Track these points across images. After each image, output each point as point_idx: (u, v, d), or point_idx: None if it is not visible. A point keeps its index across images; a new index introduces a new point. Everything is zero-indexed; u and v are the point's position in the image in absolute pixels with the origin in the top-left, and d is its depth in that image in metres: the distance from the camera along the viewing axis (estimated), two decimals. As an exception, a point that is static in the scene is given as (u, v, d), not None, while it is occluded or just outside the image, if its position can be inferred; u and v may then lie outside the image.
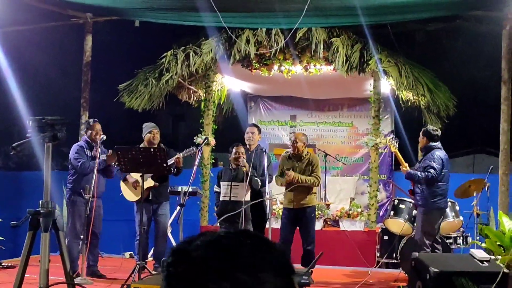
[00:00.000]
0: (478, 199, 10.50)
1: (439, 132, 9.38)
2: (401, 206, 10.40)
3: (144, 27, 12.81)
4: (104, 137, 9.60)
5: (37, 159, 10.50)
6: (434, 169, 9.01)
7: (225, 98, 14.41)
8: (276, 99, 15.08)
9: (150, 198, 9.67)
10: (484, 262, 7.77)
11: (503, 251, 8.46)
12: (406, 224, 10.17)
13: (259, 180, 9.47)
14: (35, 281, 5.15)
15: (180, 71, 12.26)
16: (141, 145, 9.80)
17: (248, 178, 9.27)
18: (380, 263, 10.71)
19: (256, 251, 1.45)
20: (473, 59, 18.72)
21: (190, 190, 9.40)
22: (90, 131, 9.78)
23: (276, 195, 10.26)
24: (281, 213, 11.04)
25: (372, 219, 11.90)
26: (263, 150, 9.97)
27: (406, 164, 9.45)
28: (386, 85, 12.46)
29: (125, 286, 8.16)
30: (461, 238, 10.40)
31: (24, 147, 5.00)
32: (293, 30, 11.32)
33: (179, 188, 10.55)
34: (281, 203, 11.27)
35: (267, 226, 9.55)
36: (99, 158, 9.40)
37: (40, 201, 4.88)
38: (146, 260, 9.54)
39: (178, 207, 9.22)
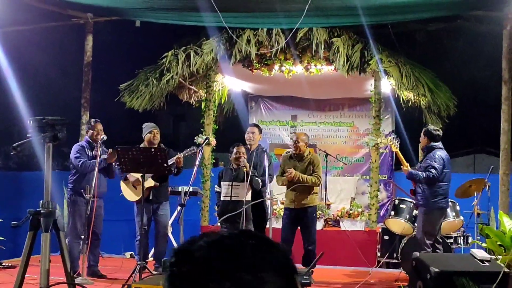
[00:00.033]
0: (479, 199, 10.50)
1: (440, 132, 9.38)
2: (402, 206, 10.40)
3: (144, 27, 12.80)
4: (105, 137, 9.60)
5: (38, 159, 10.49)
6: (435, 169, 9.02)
7: (226, 98, 14.41)
8: (277, 99, 15.08)
9: (150, 198, 9.67)
10: (485, 262, 7.78)
11: (503, 251, 8.45)
12: (406, 224, 10.17)
13: (259, 180, 9.47)
14: (35, 281, 5.16)
15: (181, 71, 12.25)
16: (141, 145, 9.80)
17: (249, 178, 9.27)
18: (380, 263, 10.72)
19: (259, 251, 1.45)
20: (473, 59, 18.73)
21: (191, 190, 9.42)
22: (91, 131, 9.80)
23: (277, 195, 10.26)
24: (281, 213, 11.05)
25: (372, 219, 11.89)
26: (264, 150, 9.96)
27: (407, 164, 9.45)
28: (387, 85, 12.45)
29: (125, 286, 8.16)
30: (462, 238, 10.40)
31: (24, 147, 5.00)
32: (294, 30, 11.32)
33: (180, 188, 10.60)
34: (282, 203, 11.27)
35: (267, 226, 9.55)
36: (99, 158, 9.41)
37: (41, 201, 4.88)
38: (147, 260, 9.54)
39: (179, 207, 9.21)
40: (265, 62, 12.22)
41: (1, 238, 10.74)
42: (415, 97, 12.25)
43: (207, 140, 11.24)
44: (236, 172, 9.46)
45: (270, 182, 9.61)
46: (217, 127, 12.95)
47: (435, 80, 12.33)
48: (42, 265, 4.84)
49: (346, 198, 13.57)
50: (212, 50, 12.07)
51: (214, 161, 12.87)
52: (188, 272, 1.43)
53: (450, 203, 9.74)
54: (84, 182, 9.43)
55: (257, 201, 9.29)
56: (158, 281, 7.22)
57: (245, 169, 9.32)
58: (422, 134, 9.45)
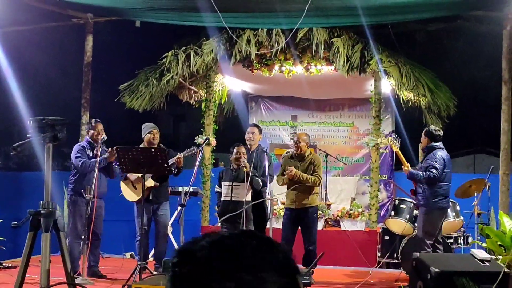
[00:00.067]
0: (479, 199, 10.50)
1: (441, 132, 9.39)
2: (402, 206, 10.40)
3: (144, 27, 12.81)
4: (105, 138, 9.60)
5: (38, 160, 10.50)
6: (436, 169, 9.02)
7: (226, 98, 14.41)
8: (277, 99, 15.08)
9: (150, 198, 9.67)
10: (485, 262, 7.77)
11: (503, 251, 8.45)
12: (407, 224, 10.17)
13: (260, 180, 9.47)
14: (36, 281, 5.16)
15: (181, 71, 12.25)
16: (141, 146, 9.79)
17: (249, 178, 9.27)
18: (381, 263, 10.72)
19: (260, 251, 1.45)
20: (473, 59, 18.72)
21: (191, 190, 9.42)
22: (92, 131, 9.81)
23: (277, 195, 10.25)
24: (281, 213, 11.05)
25: (373, 219, 11.89)
26: (264, 150, 9.96)
27: (408, 164, 9.45)
28: (387, 85, 12.46)
29: (126, 287, 8.16)
30: (462, 238, 10.41)
31: (24, 148, 5.00)
32: (294, 30, 11.32)
33: (180, 188, 10.60)
34: (282, 203, 11.27)
35: (267, 226, 9.55)
36: (99, 158, 9.40)
37: (41, 202, 4.88)
38: (147, 261, 9.54)
39: (179, 207, 9.22)
40: (265, 62, 12.22)
41: (1, 238, 10.74)
42: (415, 97, 12.26)
43: (207, 140, 11.24)
44: (237, 172, 9.46)
45: (270, 182, 9.61)
46: (217, 127, 12.95)
47: (435, 80, 12.34)
48: (43, 265, 4.84)
49: (346, 198, 13.57)
50: (212, 50, 12.07)
51: (214, 161, 12.87)
52: (189, 273, 1.43)
53: (450, 203, 9.74)
54: (84, 182, 9.42)
55: (257, 201, 9.29)
56: (158, 281, 7.22)
57: (245, 169, 9.31)
58: (423, 134, 9.46)
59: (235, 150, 9.49)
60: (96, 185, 9.17)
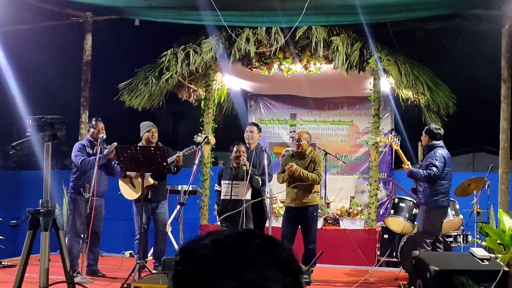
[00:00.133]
0: (478, 197, 10.51)
1: (441, 131, 9.39)
2: (401, 204, 10.40)
3: (144, 26, 12.81)
4: (104, 136, 9.61)
5: (37, 158, 10.51)
6: (436, 167, 9.02)
7: (225, 97, 14.41)
8: (276, 98, 15.09)
9: (149, 197, 9.66)
10: (484, 261, 7.78)
11: (503, 249, 8.45)
12: (406, 223, 10.17)
13: (259, 179, 9.46)
14: (35, 280, 5.14)
15: (180, 70, 12.25)
16: (139, 144, 9.77)
17: (249, 176, 9.26)
18: (380, 261, 10.72)
19: (263, 250, 1.45)
20: (472, 58, 18.75)
21: (190, 189, 9.42)
22: (92, 130, 9.81)
23: (276, 194, 10.25)
24: (281, 212, 11.05)
25: (372, 217, 11.89)
26: (263, 149, 9.95)
27: (408, 162, 9.45)
28: (386, 84, 12.45)
29: (125, 285, 8.15)
30: (461, 236, 10.41)
31: (23, 146, 4.99)
32: (293, 29, 11.32)
33: (179, 187, 10.58)
34: (281, 202, 11.27)
35: (267, 225, 9.55)
36: (98, 155, 9.40)
37: (40, 200, 4.87)
38: (146, 259, 9.53)
39: (178, 206, 9.22)
40: (264, 61, 12.22)
41: (1, 237, 10.74)
42: (414, 96, 12.26)
43: (206, 139, 11.24)
44: (236, 171, 9.46)
45: (269, 181, 9.60)
46: (216, 126, 12.94)
47: (434, 78, 12.33)
48: (42, 264, 4.84)
49: (345, 197, 13.58)
50: (211, 48, 12.06)
51: (213, 160, 12.87)
52: (191, 271, 1.43)
53: (450, 202, 9.74)
54: (84, 181, 9.43)
55: (256, 200, 9.29)
56: (157, 280, 7.21)
57: (245, 168, 9.31)
58: (423, 133, 9.46)
59: (235, 149, 9.49)
60: (96, 184, 9.18)
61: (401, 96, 12.81)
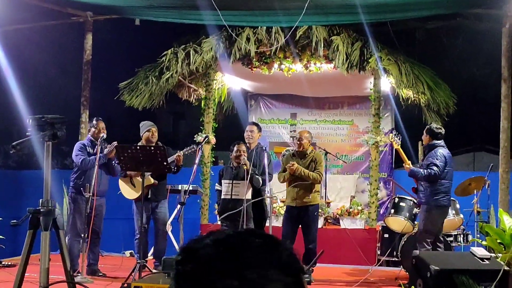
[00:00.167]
0: (479, 197, 10.50)
1: (442, 130, 9.38)
2: (402, 204, 10.39)
3: (144, 26, 12.81)
4: (104, 136, 9.61)
5: (37, 158, 10.50)
6: (437, 166, 9.01)
7: (226, 97, 14.41)
8: (277, 97, 15.10)
9: (149, 196, 9.65)
10: (485, 260, 7.78)
11: (503, 249, 8.46)
12: (406, 222, 10.17)
13: (260, 178, 9.46)
14: (35, 280, 5.14)
15: (180, 70, 12.25)
16: (139, 144, 9.76)
17: (249, 176, 9.26)
18: (380, 261, 10.71)
19: (264, 250, 1.45)
20: (473, 57, 18.75)
21: (191, 188, 9.42)
22: (93, 129, 9.81)
23: (276, 193, 10.25)
24: (281, 212, 11.05)
25: (372, 217, 11.90)
26: (264, 148, 9.94)
27: (409, 162, 9.44)
28: (386, 83, 12.45)
29: (125, 285, 8.15)
30: (462, 236, 10.40)
31: (24, 146, 4.99)
32: (293, 28, 11.32)
33: (180, 187, 10.58)
34: (282, 201, 11.27)
35: (267, 224, 9.54)
36: (98, 155, 9.40)
37: (40, 200, 4.87)
38: (146, 259, 9.53)
39: (179, 206, 9.22)
40: (265, 60, 12.22)
41: (1, 236, 10.74)
42: (415, 95, 12.26)
43: (206, 139, 11.23)
44: (237, 170, 9.45)
45: (270, 180, 9.59)
46: (216, 126, 12.95)
47: (435, 78, 12.33)
48: (42, 263, 4.84)
49: (346, 196, 13.58)
50: (211, 48, 12.06)
51: (213, 159, 12.88)
52: (193, 271, 1.43)
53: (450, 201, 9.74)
54: (85, 181, 9.43)
55: (257, 199, 9.29)
56: (158, 279, 7.21)
57: (245, 167, 9.31)
58: (424, 132, 9.46)
59: (235, 148, 9.49)
60: (96, 183, 9.17)
61: (402, 96, 12.82)
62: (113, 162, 9.68)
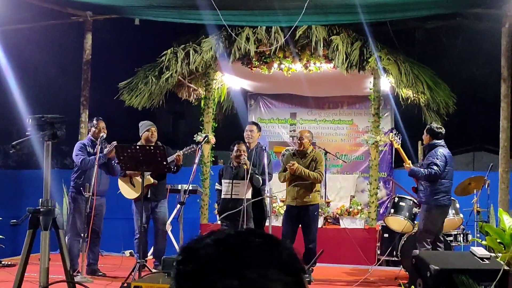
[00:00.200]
0: (478, 196, 10.50)
1: (443, 130, 9.38)
2: (402, 203, 10.39)
3: (144, 25, 12.81)
4: (104, 136, 9.61)
5: (37, 158, 10.51)
6: (437, 165, 9.01)
7: (225, 96, 14.41)
8: (276, 97, 15.10)
9: (149, 196, 9.65)
10: (485, 260, 7.78)
11: (503, 248, 8.46)
12: (406, 222, 10.16)
13: (260, 178, 9.46)
14: (35, 279, 5.14)
15: (180, 69, 12.25)
16: (138, 143, 9.75)
17: (249, 176, 9.26)
18: (380, 260, 10.71)
19: (264, 250, 1.45)
20: (472, 57, 18.76)
21: (190, 188, 9.41)
22: (93, 129, 9.81)
23: (276, 193, 10.24)
24: (281, 211, 11.05)
25: (372, 216, 11.89)
26: (263, 148, 9.94)
27: (409, 161, 9.44)
28: (386, 83, 12.45)
29: (125, 285, 8.15)
30: (462, 235, 10.40)
31: (23, 146, 4.99)
32: (293, 28, 11.32)
33: (179, 186, 10.57)
34: (281, 201, 11.26)
35: (266, 224, 9.54)
36: (98, 155, 9.40)
37: (40, 200, 4.87)
38: (146, 258, 9.53)
39: (178, 205, 9.21)
40: (264, 60, 12.22)
41: (1, 236, 10.74)
42: (414, 95, 12.26)
43: (206, 138, 11.23)
44: (237, 170, 9.45)
45: (269, 180, 9.59)
46: (216, 125, 12.95)
47: (434, 77, 12.33)
48: (42, 263, 4.83)
49: (345, 196, 13.58)
50: (211, 48, 12.06)
51: (213, 159, 12.88)
52: (193, 271, 1.43)
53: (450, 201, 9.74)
54: (85, 180, 9.43)
55: (257, 199, 9.29)
56: (157, 279, 7.21)
57: (245, 167, 9.31)
58: (424, 132, 9.46)
59: (235, 148, 9.49)
60: (96, 183, 9.17)
61: (401, 95, 12.81)
62: (113, 162, 9.67)
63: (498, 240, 8.59)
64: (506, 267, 7.56)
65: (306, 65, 12.11)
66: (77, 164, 9.70)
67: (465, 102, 16.33)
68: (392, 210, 10.46)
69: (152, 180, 9.55)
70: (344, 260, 11.46)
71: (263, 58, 12.19)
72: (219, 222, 9.75)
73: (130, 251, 11.94)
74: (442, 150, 9.18)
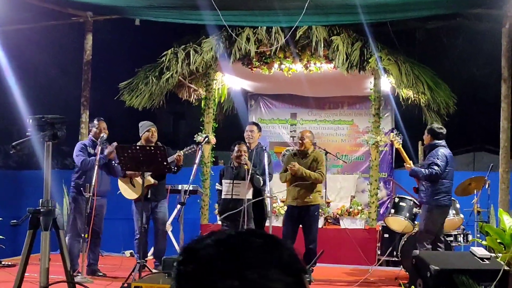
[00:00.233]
0: (479, 197, 10.51)
1: (443, 130, 9.38)
2: (402, 204, 10.39)
3: (144, 26, 12.81)
4: (105, 136, 9.60)
5: (37, 158, 10.50)
6: (438, 166, 9.02)
7: (226, 97, 14.41)
8: (277, 97, 15.10)
9: (149, 196, 9.65)
10: (485, 260, 7.78)
11: (503, 248, 8.46)
12: (406, 222, 10.17)
13: (261, 178, 9.45)
14: (35, 280, 5.15)
15: (180, 70, 12.26)
16: (138, 144, 9.75)
17: (250, 176, 9.26)
18: (380, 261, 10.71)
19: (265, 250, 1.45)
20: (473, 57, 18.75)
21: (191, 188, 9.41)
22: (94, 129, 9.82)
23: (276, 193, 10.24)
24: (281, 211, 11.05)
25: (372, 217, 11.89)
26: (264, 148, 9.93)
27: (410, 161, 9.44)
28: (386, 83, 12.45)
29: (125, 285, 8.15)
30: (462, 235, 10.40)
31: (24, 146, 4.99)
32: (293, 28, 11.32)
33: (180, 187, 10.59)
34: (282, 201, 11.26)
35: (267, 224, 9.55)
36: (99, 155, 9.40)
37: (40, 200, 4.87)
38: (146, 259, 9.53)
39: (179, 206, 9.21)
40: (265, 60, 12.22)
41: (1, 236, 10.74)
42: (415, 95, 12.26)
43: (206, 139, 11.23)
44: (237, 170, 9.45)
45: (270, 180, 9.59)
46: (216, 126, 12.95)
47: (435, 78, 12.33)
48: (42, 263, 4.84)
49: (346, 196, 13.57)
50: (211, 48, 12.07)
51: (213, 159, 12.88)
52: (193, 271, 1.43)
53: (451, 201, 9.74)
54: (85, 180, 9.43)
55: (257, 199, 9.29)
56: (157, 279, 7.21)
57: (246, 167, 9.31)
58: (425, 132, 9.46)
59: (236, 148, 9.48)
60: (96, 183, 9.17)
61: (402, 96, 12.81)
62: (113, 162, 9.67)
63: (498, 240, 8.59)
64: (506, 267, 7.56)
65: (307, 66, 12.11)
66: (77, 165, 9.70)
67: (466, 102, 16.32)
68: (393, 211, 10.46)
69: (152, 181, 9.55)
70: (344, 260, 11.46)
71: (263, 58, 12.20)
72: (219, 223, 9.75)
73: (130, 251, 11.94)
74: (443, 150, 9.19)
